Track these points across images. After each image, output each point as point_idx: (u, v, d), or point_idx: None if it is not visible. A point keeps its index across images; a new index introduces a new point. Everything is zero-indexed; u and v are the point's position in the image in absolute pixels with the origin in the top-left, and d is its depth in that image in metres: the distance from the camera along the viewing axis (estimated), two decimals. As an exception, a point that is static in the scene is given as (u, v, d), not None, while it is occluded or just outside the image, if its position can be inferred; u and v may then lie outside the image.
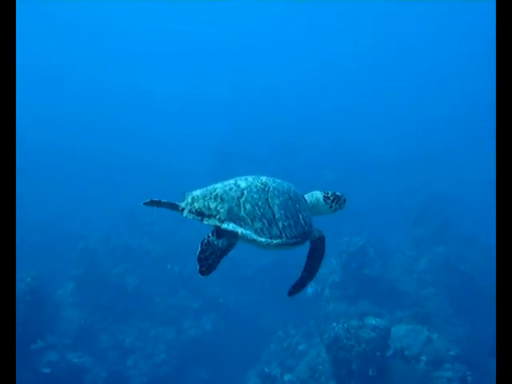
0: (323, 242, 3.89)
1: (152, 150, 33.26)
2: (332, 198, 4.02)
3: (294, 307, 16.33)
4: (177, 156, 31.57)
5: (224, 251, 3.45)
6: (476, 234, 19.60)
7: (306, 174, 24.23)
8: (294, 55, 53.21)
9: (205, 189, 3.66)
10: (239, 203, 3.42)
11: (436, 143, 31.00)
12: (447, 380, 11.19)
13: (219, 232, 3.42)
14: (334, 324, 11.15)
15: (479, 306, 15.49)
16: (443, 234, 19.00)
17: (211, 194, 3.52)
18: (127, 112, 41.64)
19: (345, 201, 4.08)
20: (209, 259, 3.39)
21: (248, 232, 3.33)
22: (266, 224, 3.38)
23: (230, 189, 3.52)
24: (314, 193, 4.06)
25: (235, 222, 3.35)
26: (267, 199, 3.50)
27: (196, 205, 3.51)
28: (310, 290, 15.93)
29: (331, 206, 4.03)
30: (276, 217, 3.44)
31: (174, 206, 3.64)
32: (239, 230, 3.31)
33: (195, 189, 3.72)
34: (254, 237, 3.32)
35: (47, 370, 12.80)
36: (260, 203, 3.45)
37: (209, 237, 3.44)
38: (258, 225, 3.36)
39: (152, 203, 3.65)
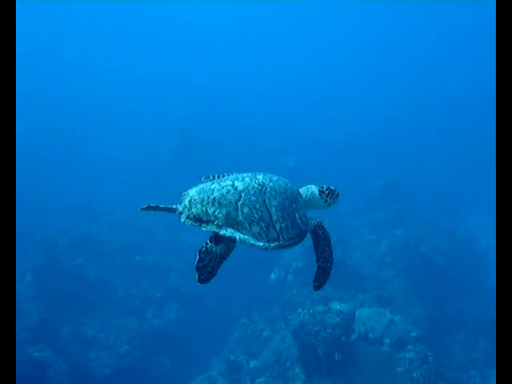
0: (322, 227, 3.92)
1: (113, 135, 32.55)
2: (327, 192, 4.01)
3: (258, 294, 16.40)
4: (139, 141, 30.94)
5: (223, 257, 3.44)
6: (433, 216, 20.05)
7: (266, 160, 24.27)
8: (263, 45, 53.16)
9: (201, 188, 3.62)
10: (237, 207, 3.39)
11: (392, 128, 31.41)
12: (409, 361, 11.45)
13: (217, 238, 3.41)
14: (300, 310, 11.25)
15: (437, 286, 15.92)
16: (401, 217, 19.34)
17: (208, 197, 3.47)
18: (86, 96, 40.43)
19: (338, 195, 4.08)
20: (208, 267, 3.39)
21: (246, 237, 3.32)
22: (264, 227, 3.38)
23: (228, 192, 3.47)
24: (309, 187, 4.04)
25: (233, 227, 3.34)
26: (264, 201, 3.47)
27: (194, 210, 3.46)
28: (273, 275, 16.03)
29: (326, 201, 4.04)
30: (273, 219, 3.43)
31: (171, 210, 3.63)
32: (237, 236, 3.31)
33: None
34: (252, 242, 3.33)
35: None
36: (258, 206, 3.42)
37: (207, 244, 3.43)
38: (255, 229, 3.35)
39: (149, 208, 3.65)
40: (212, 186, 3.57)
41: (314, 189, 4.02)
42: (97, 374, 14.09)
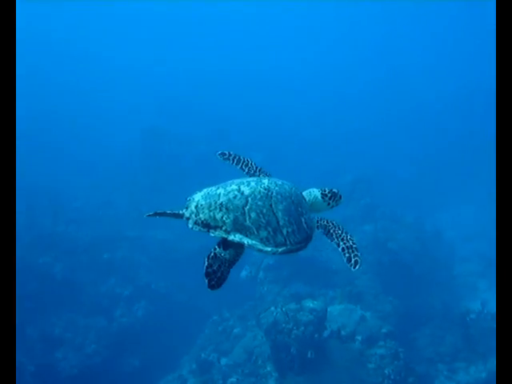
0: (323, 219, 3.96)
1: (79, 131, 31.86)
2: (330, 195, 4.06)
3: (228, 290, 16.22)
4: (106, 136, 30.35)
5: (232, 261, 3.47)
6: (400, 211, 20.28)
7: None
8: (229, 39, 52.88)
9: (206, 193, 3.61)
10: (244, 212, 3.41)
11: (362, 125, 31.69)
12: (380, 357, 11.54)
13: (226, 243, 3.43)
14: (273, 308, 11.21)
15: (405, 281, 16.12)
16: (370, 213, 19.48)
17: (216, 202, 3.47)
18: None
19: (341, 197, 4.13)
20: (217, 272, 3.39)
21: (254, 242, 3.35)
22: (271, 232, 3.40)
23: (235, 197, 3.48)
24: (311, 191, 4.07)
25: (241, 233, 3.35)
26: (271, 205, 3.49)
27: (202, 216, 3.46)
28: (243, 272, 15.95)
29: (329, 203, 4.07)
30: (280, 224, 3.45)
31: (178, 216, 3.65)
32: (245, 241, 3.34)
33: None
34: (260, 247, 3.36)
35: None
36: (264, 210, 3.45)
37: (215, 249, 3.45)
38: (263, 234, 3.37)
39: (156, 215, 3.68)
40: (218, 191, 3.58)
41: (316, 192, 4.06)
42: (64, 374, 13.80)
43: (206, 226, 3.42)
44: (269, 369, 11.79)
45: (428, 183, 24.80)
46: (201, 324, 15.44)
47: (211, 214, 3.43)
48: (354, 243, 3.81)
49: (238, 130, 27.44)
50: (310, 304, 11.38)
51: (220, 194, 3.53)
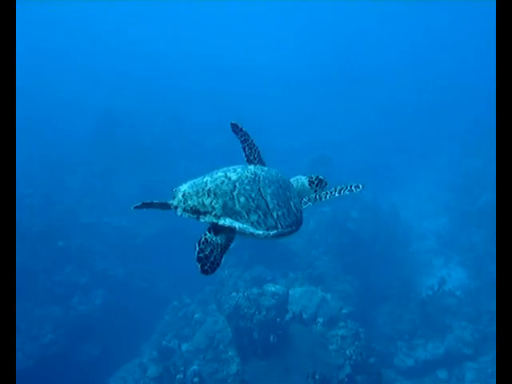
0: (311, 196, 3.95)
1: (27, 108, 30.64)
2: (316, 182, 4.10)
3: (188, 275, 16.09)
4: (55, 118, 29.27)
5: (224, 246, 3.38)
6: (358, 192, 20.40)
7: (194, 137, 23.84)
8: (189, 22, 52.04)
9: (192, 183, 3.61)
10: (233, 197, 3.41)
11: (318, 107, 31.70)
12: (342, 338, 11.62)
13: (216, 228, 3.39)
14: (234, 293, 11.11)
15: (364, 260, 16.32)
16: (328, 193, 19.51)
17: (203, 189, 3.49)
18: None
19: (326, 184, 4.14)
20: (210, 257, 3.31)
21: (245, 226, 3.33)
22: (262, 216, 3.40)
23: (222, 182, 3.50)
24: (298, 178, 4.11)
25: (231, 217, 3.35)
26: (259, 189, 3.51)
27: (190, 202, 3.45)
28: (203, 257, 15.75)
29: (316, 191, 4.09)
30: (270, 207, 3.46)
31: (165, 206, 3.59)
32: (236, 225, 3.32)
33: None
34: (252, 230, 3.34)
35: None
36: (253, 194, 3.46)
37: (206, 235, 3.37)
38: (253, 217, 3.37)
39: (143, 206, 3.58)
40: (204, 179, 3.59)
41: (303, 179, 4.09)
42: (19, 367, 13.37)
43: (196, 212, 3.41)
44: (231, 354, 11.69)
45: (384, 163, 25.04)
46: (161, 310, 15.25)
47: (199, 200, 3.43)
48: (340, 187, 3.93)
49: (196, 112, 27.00)
50: (271, 288, 11.33)
51: (207, 181, 3.55)
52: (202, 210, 3.39)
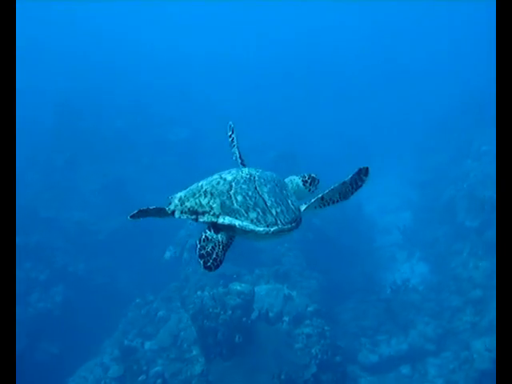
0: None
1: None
2: (310, 180, 4.08)
3: (151, 272, 15.82)
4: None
5: (226, 244, 3.38)
6: (323, 187, 20.40)
7: (157, 131, 23.39)
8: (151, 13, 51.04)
9: (187, 189, 3.63)
10: (230, 196, 3.42)
11: (283, 102, 31.59)
12: (307, 336, 11.55)
13: (216, 227, 3.39)
14: (199, 292, 10.93)
15: (329, 256, 16.31)
16: (294, 189, 19.44)
17: (199, 191, 3.52)
18: None
19: (318, 181, 4.13)
20: (212, 254, 3.29)
21: (245, 223, 3.31)
22: (261, 213, 3.38)
23: (218, 183, 3.53)
24: (292, 179, 4.09)
25: (230, 215, 3.34)
26: (256, 188, 3.52)
27: (187, 204, 3.49)
28: (167, 253, 15.51)
29: (310, 189, 4.09)
30: (268, 204, 3.44)
31: (162, 212, 3.58)
32: (236, 223, 3.31)
33: None
34: (252, 227, 3.31)
35: None
36: (250, 193, 3.47)
37: (206, 232, 3.37)
38: (253, 215, 3.36)
39: (139, 214, 3.52)
40: (199, 184, 3.63)
41: (297, 180, 4.07)
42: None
43: (194, 212, 3.43)
44: (195, 353, 11.47)
45: (349, 159, 25.14)
46: (123, 307, 14.89)
47: (196, 200, 3.46)
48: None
49: (160, 106, 26.48)
50: (237, 287, 11.15)
51: (202, 184, 3.59)
52: (200, 210, 3.42)
